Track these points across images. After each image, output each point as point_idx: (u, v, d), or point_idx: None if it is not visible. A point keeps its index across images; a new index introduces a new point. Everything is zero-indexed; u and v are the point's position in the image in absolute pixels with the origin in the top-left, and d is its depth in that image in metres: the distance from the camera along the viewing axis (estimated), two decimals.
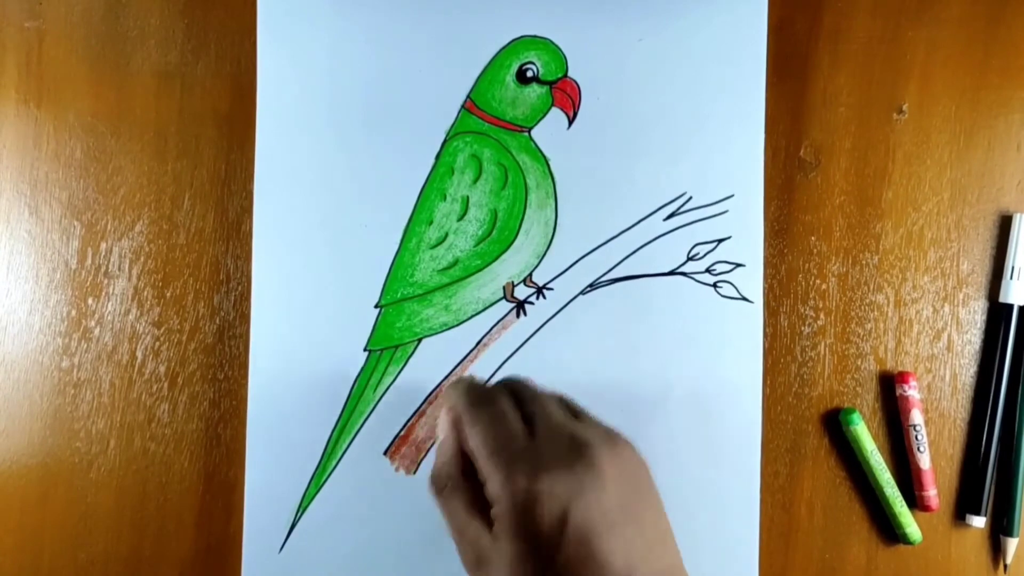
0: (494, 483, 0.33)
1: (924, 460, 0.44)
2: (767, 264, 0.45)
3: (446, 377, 0.44)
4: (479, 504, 0.34)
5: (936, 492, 0.44)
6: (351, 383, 0.43)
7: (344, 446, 0.43)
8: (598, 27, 0.44)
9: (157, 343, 0.44)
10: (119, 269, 0.44)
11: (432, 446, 0.43)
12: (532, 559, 0.31)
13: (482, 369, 0.44)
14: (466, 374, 0.44)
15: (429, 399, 0.44)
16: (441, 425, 0.37)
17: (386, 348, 0.44)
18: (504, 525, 0.32)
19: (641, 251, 0.44)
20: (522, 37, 0.44)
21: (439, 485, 0.36)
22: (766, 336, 0.45)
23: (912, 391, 0.44)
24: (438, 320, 0.44)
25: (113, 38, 0.45)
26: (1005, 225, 0.45)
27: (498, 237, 0.44)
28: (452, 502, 0.35)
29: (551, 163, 0.44)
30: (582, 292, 0.44)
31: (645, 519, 0.34)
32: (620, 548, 0.32)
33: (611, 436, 0.35)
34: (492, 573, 0.33)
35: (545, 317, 0.44)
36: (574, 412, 0.37)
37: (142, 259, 0.44)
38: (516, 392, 0.36)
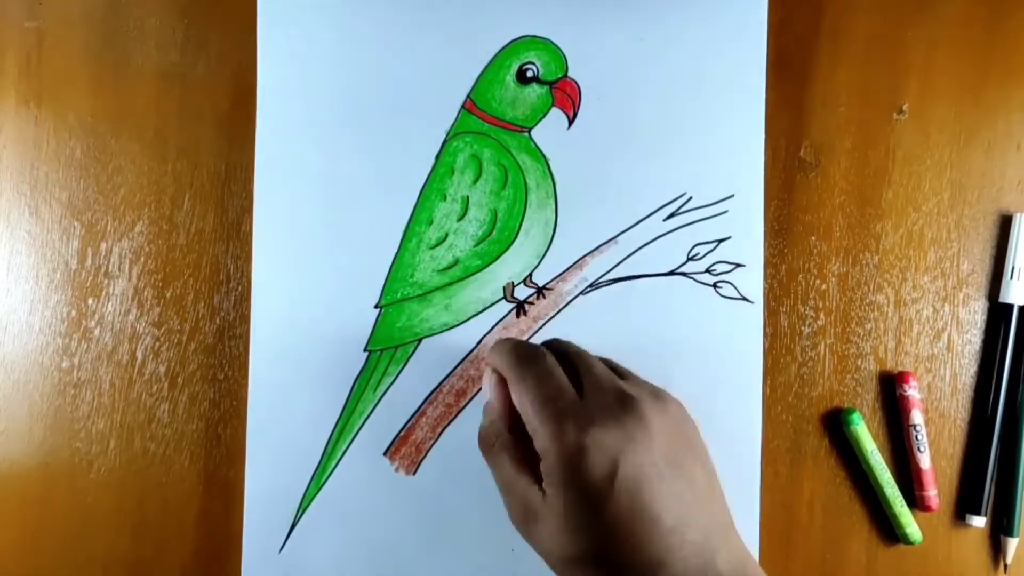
0: (543, 436, 0.33)
1: (924, 460, 0.44)
2: (767, 264, 0.45)
3: (446, 377, 0.44)
4: (527, 460, 0.34)
5: (936, 492, 0.44)
6: (351, 383, 0.43)
7: (344, 446, 0.43)
8: (598, 27, 0.44)
9: (157, 343, 0.44)
10: (119, 269, 0.44)
11: (432, 446, 0.43)
12: (582, 511, 0.31)
13: (482, 370, 0.44)
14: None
15: (429, 399, 0.44)
16: (486, 386, 0.38)
17: (386, 348, 0.44)
18: (554, 478, 0.32)
19: (641, 251, 0.44)
20: (522, 37, 0.44)
21: (487, 443, 0.36)
22: (766, 336, 0.45)
23: (912, 391, 0.44)
24: (438, 320, 0.44)
25: (113, 38, 0.45)
26: (1005, 225, 0.45)
27: (498, 237, 0.44)
28: (500, 458, 0.35)
29: (551, 163, 0.44)
30: (582, 292, 0.44)
31: (695, 473, 0.34)
32: (671, 502, 0.32)
33: (657, 392, 0.36)
34: (540, 527, 0.33)
35: (545, 317, 0.44)
36: (619, 373, 0.37)
37: (142, 259, 0.44)
38: (561, 351, 0.37)
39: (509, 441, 0.35)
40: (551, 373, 0.35)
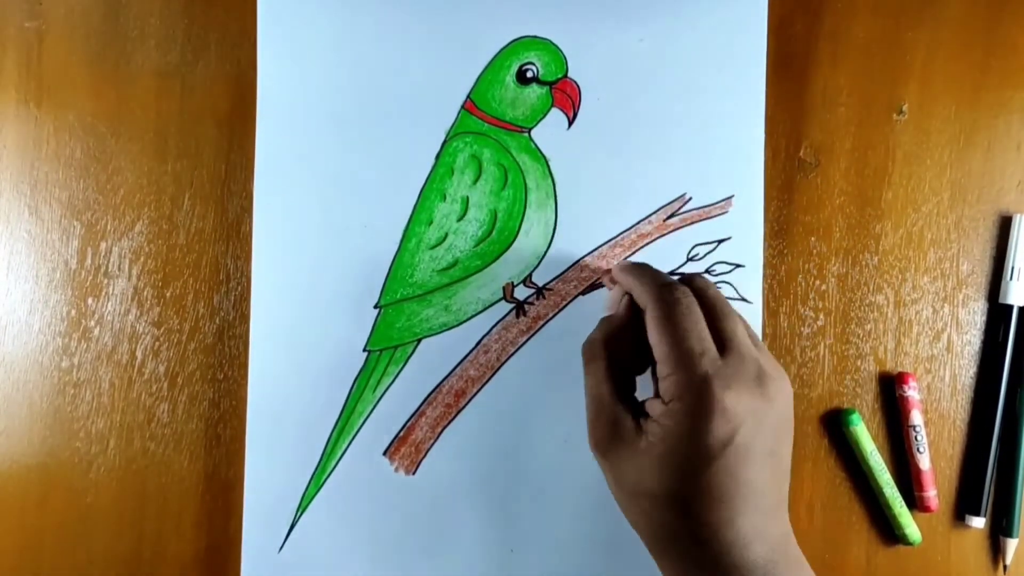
0: (675, 384, 0.33)
1: (924, 461, 0.44)
2: (767, 265, 0.45)
3: (446, 377, 0.44)
4: (626, 385, 0.36)
5: (936, 493, 0.44)
6: (351, 383, 0.43)
7: (344, 446, 0.43)
8: (598, 27, 0.44)
9: (157, 343, 0.44)
10: (119, 269, 0.44)
11: (431, 446, 0.43)
12: (685, 464, 0.33)
13: (482, 370, 0.44)
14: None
15: (429, 399, 0.44)
16: (613, 300, 0.39)
17: (385, 348, 0.44)
18: (671, 426, 0.33)
19: (641, 251, 0.44)
20: (522, 37, 0.44)
21: (593, 352, 0.37)
22: (766, 336, 0.45)
23: (912, 392, 0.44)
24: (438, 320, 0.44)
25: (113, 38, 0.45)
26: (1005, 225, 0.45)
27: (498, 237, 0.44)
28: (600, 373, 0.36)
29: (551, 163, 0.44)
30: (582, 292, 0.44)
31: (784, 458, 0.35)
32: (764, 480, 0.33)
33: (779, 371, 0.36)
34: (626, 455, 0.34)
35: (545, 318, 0.44)
36: (754, 341, 0.37)
37: (142, 259, 0.44)
38: (700, 294, 0.37)
39: (615, 359, 0.36)
40: (697, 323, 0.35)
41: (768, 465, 0.33)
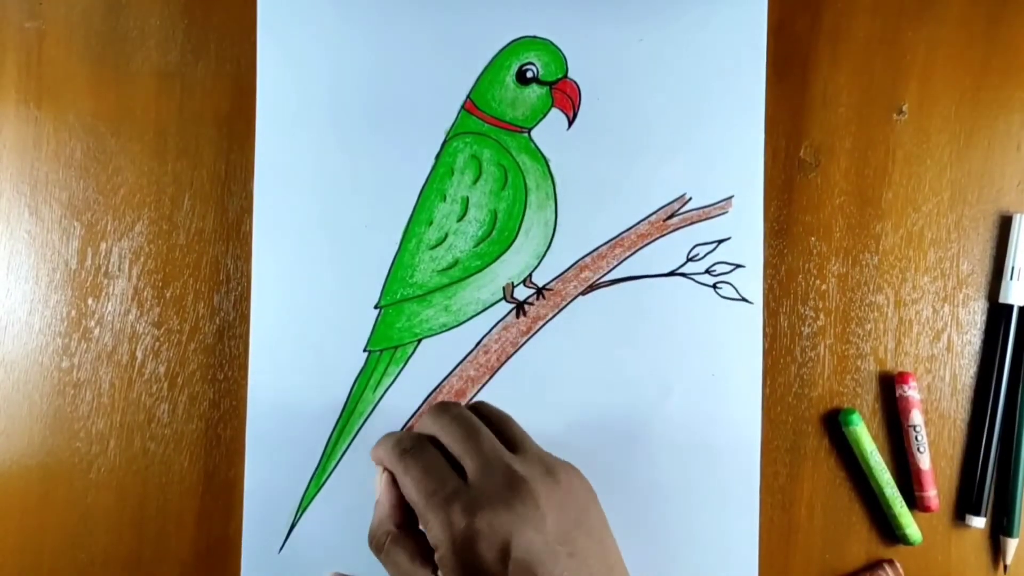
0: (434, 527, 0.33)
1: (924, 460, 0.44)
2: (767, 265, 0.45)
3: (446, 378, 0.44)
4: (423, 554, 0.34)
5: (936, 493, 0.44)
6: (351, 384, 0.43)
7: (344, 446, 0.43)
8: (598, 27, 0.44)
9: (157, 343, 0.44)
10: (119, 269, 0.44)
11: None
12: None
13: (482, 370, 0.44)
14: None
15: (429, 400, 0.44)
16: (378, 484, 0.37)
17: (386, 349, 0.44)
18: (448, 567, 0.32)
19: (641, 251, 0.44)
20: (522, 37, 0.44)
21: (378, 542, 0.35)
22: (766, 336, 0.45)
23: (912, 391, 0.44)
24: (438, 321, 0.44)
25: (113, 38, 0.45)
26: (1005, 225, 0.45)
27: (498, 238, 0.44)
28: (395, 556, 0.35)
29: (551, 164, 0.44)
30: (582, 293, 0.44)
31: (589, 549, 0.33)
32: None
33: (550, 466, 0.35)
34: None
35: (545, 318, 0.44)
36: (514, 442, 0.36)
37: (142, 259, 0.44)
38: (447, 430, 0.36)
39: (400, 537, 0.35)
40: (434, 462, 0.34)
41: (569, 563, 0.32)
